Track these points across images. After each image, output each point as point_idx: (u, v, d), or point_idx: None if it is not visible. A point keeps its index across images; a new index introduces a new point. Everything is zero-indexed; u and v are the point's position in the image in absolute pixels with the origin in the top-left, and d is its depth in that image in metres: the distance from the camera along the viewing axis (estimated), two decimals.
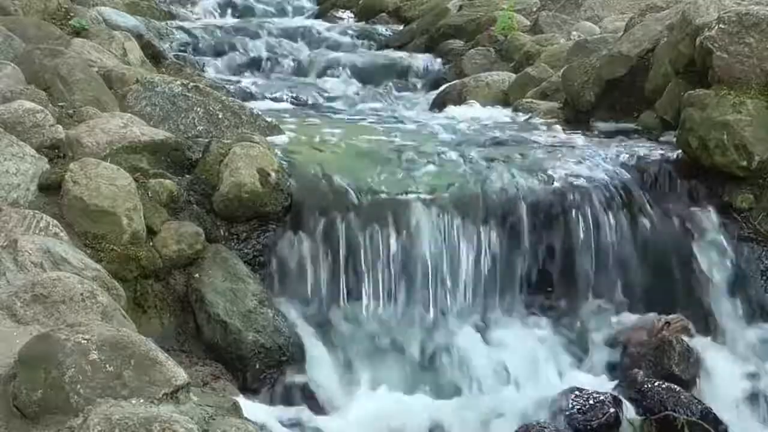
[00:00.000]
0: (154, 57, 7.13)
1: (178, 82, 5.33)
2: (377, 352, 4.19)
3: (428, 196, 4.46)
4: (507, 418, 3.88)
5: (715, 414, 3.93)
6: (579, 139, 5.25)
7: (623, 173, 4.74)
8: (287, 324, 4.08)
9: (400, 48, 9.16)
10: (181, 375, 2.84)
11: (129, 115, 4.77)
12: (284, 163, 4.56)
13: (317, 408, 3.93)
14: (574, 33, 7.85)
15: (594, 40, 6.65)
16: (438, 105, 7.04)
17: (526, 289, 4.48)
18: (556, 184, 4.61)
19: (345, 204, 4.38)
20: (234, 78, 7.80)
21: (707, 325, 4.44)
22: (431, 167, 4.76)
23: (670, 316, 4.39)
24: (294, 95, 7.46)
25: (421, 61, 8.51)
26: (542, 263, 4.50)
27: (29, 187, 4.02)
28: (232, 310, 4.01)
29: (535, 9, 9.18)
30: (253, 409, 3.50)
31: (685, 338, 4.29)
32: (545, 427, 3.74)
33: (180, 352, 3.95)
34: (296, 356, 4.03)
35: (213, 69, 8.05)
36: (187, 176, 4.44)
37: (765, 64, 4.60)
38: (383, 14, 10.53)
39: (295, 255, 4.30)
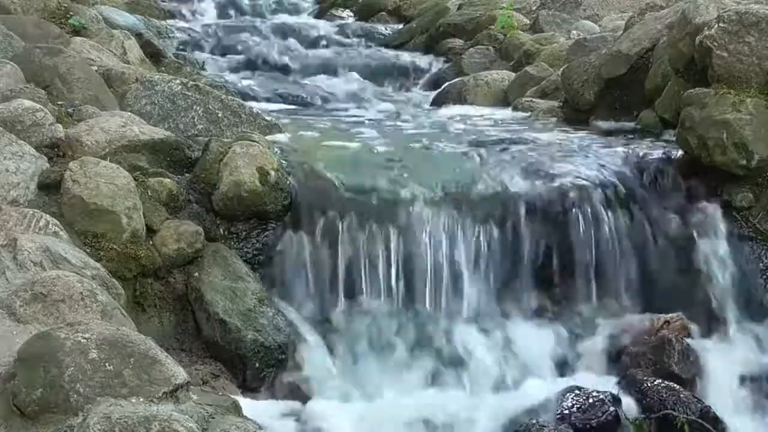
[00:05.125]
0: (154, 56, 7.14)
1: (178, 81, 5.33)
2: (377, 351, 4.19)
3: (428, 195, 4.46)
4: (506, 417, 3.88)
5: (714, 413, 3.93)
6: (579, 138, 5.25)
7: (623, 172, 4.73)
8: (287, 323, 4.08)
9: (399, 47, 9.16)
10: (180, 374, 2.84)
11: (128, 113, 4.78)
12: (284, 162, 4.56)
13: (317, 406, 3.93)
14: (574, 32, 7.85)
15: (593, 39, 6.65)
16: (438, 104, 7.05)
17: (526, 288, 4.48)
18: (556, 183, 4.61)
19: (345, 203, 4.38)
20: (233, 77, 7.79)
21: (707, 323, 4.44)
22: (431, 166, 4.75)
23: (670, 315, 4.40)
24: (294, 94, 7.45)
25: (420, 59, 8.51)
26: (542, 262, 4.50)
27: (29, 186, 4.02)
28: (231, 308, 4.01)
29: (534, 8, 9.18)
30: (252, 407, 3.50)
31: (685, 337, 4.29)
32: (545, 426, 3.74)
33: (179, 351, 3.95)
34: (296, 355, 4.03)
35: (212, 68, 8.04)
36: (187, 175, 4.44)
37: (765, 63, 4.60)
38: (383, 13, 10.53)
39: (295, 254, 4.29)
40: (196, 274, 4.11)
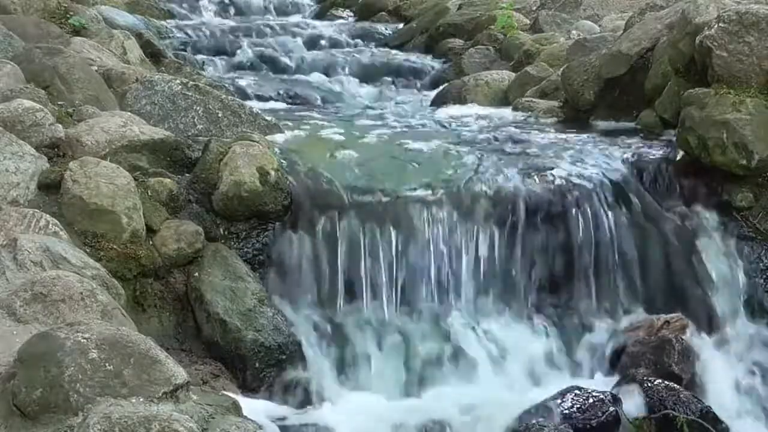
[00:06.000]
0: (154, 56, 7.14)
1: (178, 81, 5.33)
2: (376, 351, 4.19)
3: (428, 195, 4.46)
4: (506, 417, 3.87)
5: (714, 413, 3.93)
6: (578, 138, 5.25)
7: (623, 172, 4.74)
8: (287, 323, 4.08)
9: (399, 47, 9.16)
10: (180, 374, 2.84)
11: (129, 113, 4.78)
12: (284, 161, 4.56)
13: (317, 406, 3.93)
14: (574, 32, 7.85)
15: (593, 39, 6.65)
16: (438, 104, 7.04)
17: (526, 288, 4.48)
18: (556, 183, 4.61)
19: (344, 203, 4.38)
20: (233, 77, 7.79)
21: (707, 323, 4.44)
22: (431, 166, 4.76)
23: (670, 315, 4.40)
24: (293, 94, 7.45)
25: (420, 60, 8.51)
26: (542, 262, 4.50)
27: (29, 186, 4.02)
28: (231, 308, 4.01)
29: (534, 8, 9.18)
30: (252, 407, 3.50)
31: (685, 337, 4.30)
32: (545, 426, 3.74)
33: (179, 351, 3.95)
34: (296, 355, 4.03)
35: (212, 68, 8.05)
36: (187, 175, 4.44)
37: (764, 63, 4.61)
38: (383, 13, 10.53)
39: (295, 254, 4.30)
40: (196, 274, 4.11)
